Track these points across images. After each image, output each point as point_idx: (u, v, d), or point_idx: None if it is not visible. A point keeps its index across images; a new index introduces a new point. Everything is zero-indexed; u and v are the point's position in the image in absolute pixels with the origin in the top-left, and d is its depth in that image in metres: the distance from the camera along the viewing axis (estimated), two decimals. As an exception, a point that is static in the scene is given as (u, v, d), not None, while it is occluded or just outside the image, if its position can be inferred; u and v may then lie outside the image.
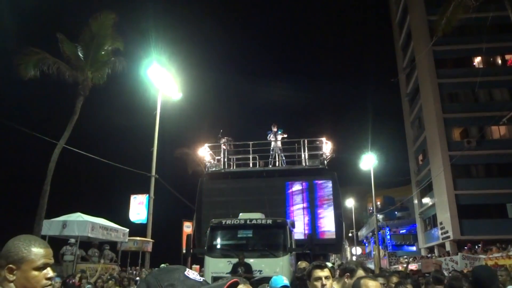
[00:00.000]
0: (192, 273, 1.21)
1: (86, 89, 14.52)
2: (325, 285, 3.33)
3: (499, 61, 34.15)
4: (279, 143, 16.31)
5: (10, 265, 1.70)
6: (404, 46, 41.02)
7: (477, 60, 34.45)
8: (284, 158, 16.19)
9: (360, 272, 3.46)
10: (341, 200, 15.88)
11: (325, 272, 3.41)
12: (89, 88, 14.68)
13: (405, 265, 29.58)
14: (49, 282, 1.77)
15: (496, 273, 4.78)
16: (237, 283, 1.22)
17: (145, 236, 19.32)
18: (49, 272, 1.77)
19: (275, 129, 16.53)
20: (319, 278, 3.35)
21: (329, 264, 6.77)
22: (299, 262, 7.86)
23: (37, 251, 1.74)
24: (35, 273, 1.72)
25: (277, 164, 16.10)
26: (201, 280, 1.20)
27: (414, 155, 39.91)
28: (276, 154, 16.24)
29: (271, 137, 16.40)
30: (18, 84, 13.59)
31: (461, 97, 33.40)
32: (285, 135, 16.47)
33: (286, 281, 3.80)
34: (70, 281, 6.59)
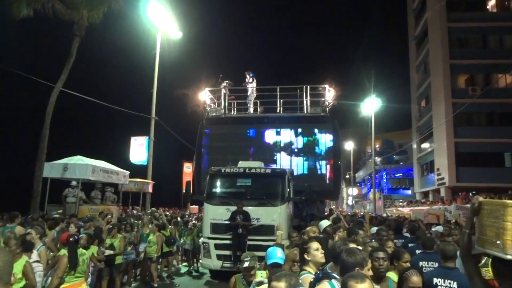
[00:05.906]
0: None
1: (82, 29, 13.98)
2: None
3: (514, 6, 32.62)
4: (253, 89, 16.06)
5: None
6: (415, -15, 38.99)
7: (491, 3, 32.90)
8: (253, 103, 15.95)
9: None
10: (340, 148, 15.91)
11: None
12: (85, 28, 14.12)
13: (400, 209, 30.54)
14: None
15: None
16: None
17: (145, 177, 19.61)
18: None
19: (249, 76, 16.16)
20: None
21: (327, 223, 6.88)
22: (288, 231, 8.10)
23: None
24: None
25: (251, 110, 15.85)
26: None
27: (417, 100, 39.46)
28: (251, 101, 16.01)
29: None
30: (11, 25, 12.94)
31: (470, 43, 32.34)
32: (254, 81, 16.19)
33: (280, 255, 3.83)
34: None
